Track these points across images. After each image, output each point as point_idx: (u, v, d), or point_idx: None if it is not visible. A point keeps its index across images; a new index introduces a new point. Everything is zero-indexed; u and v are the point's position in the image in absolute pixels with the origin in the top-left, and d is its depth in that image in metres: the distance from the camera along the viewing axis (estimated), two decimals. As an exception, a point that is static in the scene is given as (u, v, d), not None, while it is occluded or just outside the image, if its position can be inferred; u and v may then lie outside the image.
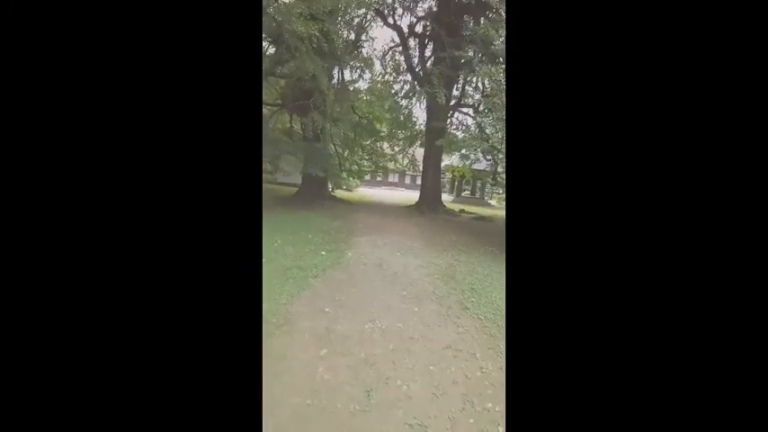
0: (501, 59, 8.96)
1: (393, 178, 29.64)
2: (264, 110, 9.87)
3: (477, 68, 8.42)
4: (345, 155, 12.76)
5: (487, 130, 10.66)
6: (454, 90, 11.87)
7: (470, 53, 9.80)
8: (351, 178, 14.83)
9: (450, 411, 2.25)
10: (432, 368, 2.62)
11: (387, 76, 12.51)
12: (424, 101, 10.91)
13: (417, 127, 13.89)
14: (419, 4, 11.11)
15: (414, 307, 3.60)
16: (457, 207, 13.44)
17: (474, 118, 12.19)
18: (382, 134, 13.60)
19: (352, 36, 10.54)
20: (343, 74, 10.87)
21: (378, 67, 12.03)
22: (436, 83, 8.95)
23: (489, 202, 20.73)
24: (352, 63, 10.10)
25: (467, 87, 12.25)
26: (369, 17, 10.81)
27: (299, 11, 6.32)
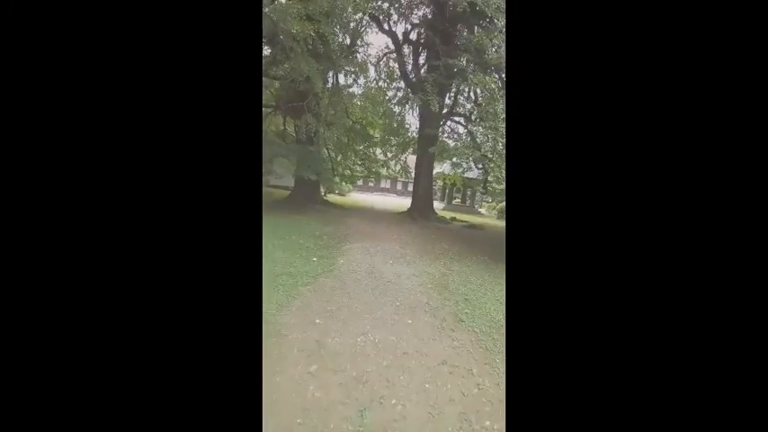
0: (493, 69, 9.03)
1: (385, 184, 29.59)
2: (257, 111, 9.68)
3: (471, 77, 8.43)
4: (338, 159, 12.64)
5: (479, 139, 10.70)
6: (447, 99, 11.91)
7: (464, 62, 9.84)
8: (343, 183, 14.72)
9: (448, 431, 2.16)
10: (427, 386, 2.52)
11: (381, 82, 12.50)
12: (417, 108, 10.89)
13: (410, 134, 13.89)
14: (414, 12, 11.14)
15: (407, 319, 3.50)
16: (448, 214, 13.44)
17: (466, 126, 12.24)
18: (375, 140, 13.53)
19: (348, 40, 10.49)
20: (337, 77, 10.80)
21: (372, 72, 12.03)
22: (430, 90, 8.93)
23: (479, 210, 20.84)
24: (346, 67, 10.04)
25: (459, 96, 12.31)
26: (364, 22, 10.79)
27: (295, 11, 6.23)
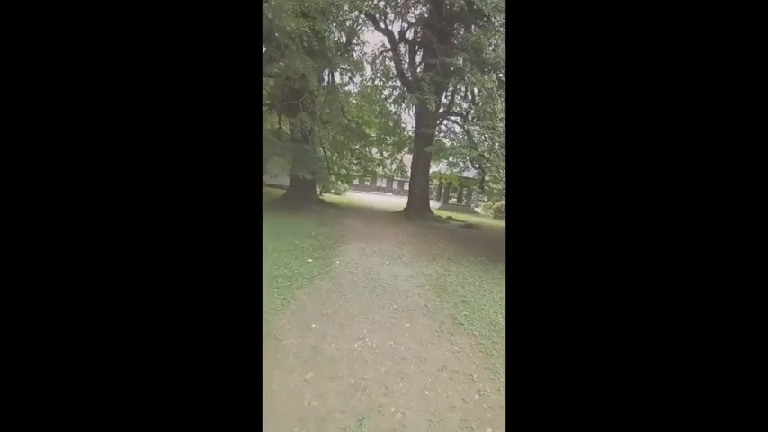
0: (491, 68, 8.97)
1: (381, 183, 29.50)
2: (252, 109, 9.55)
3: (469, 75, 8.36)
4: (334, 158, 12.51)
5: (475, 139, 10.66)
6: (443, 98, 11.84)
7: (460, 61, 9.77)
8: (339, 182, 14.60)
9: (448, 441, 2.10)
10: (427, 392, 2.46)
11: (377, 81, 12.40)
12: (414, 107, 10.81)
13: (406, 133, 13.82)
14: (410, 10, 11.06)
15: (405, 322, 3.43)
16: (444, 214, 13.38)
17: (462, 126, 12.19)
18: (371, 139, 13.42)
19: (344, 38, 10.39)
20: (333, 76, 10.69)
21: (368, 71, 11.92)
22: (426, 89, 8.85)
23: (475, 209, 20.85)
24: (342, 65, 9.92)
25: (456, 95, 12.25)
26: (360, 20, 10.69)
27: (290, 8, 6.12)
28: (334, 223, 8.16)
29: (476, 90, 10.31)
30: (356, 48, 11.10)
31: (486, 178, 12.00)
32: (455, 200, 21.33)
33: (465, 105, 12.10)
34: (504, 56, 7.46)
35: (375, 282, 4.42)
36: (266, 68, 7.96)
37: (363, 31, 11.19)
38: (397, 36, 11.27)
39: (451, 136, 12.99)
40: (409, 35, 11.50)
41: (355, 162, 13.65)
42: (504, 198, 14.22)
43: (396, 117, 13.19)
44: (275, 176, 12.12)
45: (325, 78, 10.31)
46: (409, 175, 12.99)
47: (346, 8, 8.60)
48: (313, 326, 3.13)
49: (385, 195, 26.56)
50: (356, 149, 13.11)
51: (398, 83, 11.93)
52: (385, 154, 14.48)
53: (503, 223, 14.08)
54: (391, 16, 11.15)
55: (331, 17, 8.11)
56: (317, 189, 12.37)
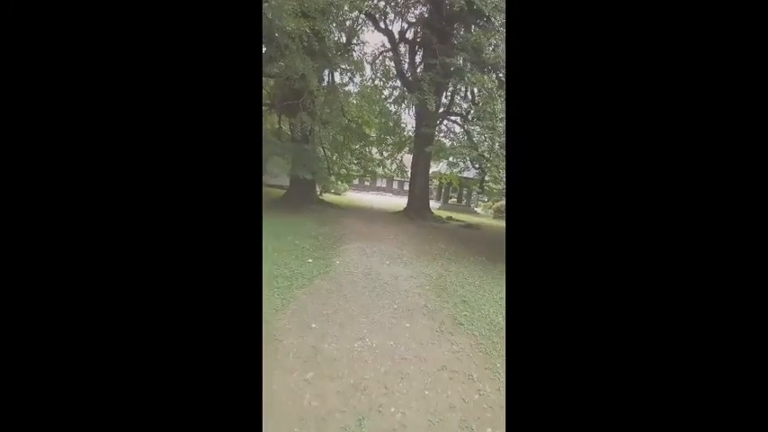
0: (491, 68, 8.96)
1: (381, 183, 29.51)
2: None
3: (470, 75, 8.35)
4: (334, 158, 12.51)
5: (475, 139, 10.65)
6: (443, 98, 11.83)
7: (460, 61, 9.76)
8: (339, 182, 14.60)
9: (448, 442, 2.10)
10: (427, 392, 2.46)
11: (377, 81, 12.39)
12: (414, 107, 10.81)
13: (406, 133, 13.81)
14: (410, 10, 11.05)
15: (405, 322, 3.43)
16: (444, 214, 13.38)
17: (462, 126, 12.18)
18: (371, 139, 13.42)
19: (344, 38, 10.38)
20: (333, 76, 10.68)
21: (368, 71, 11.91)
22: (426, 89, 8.85)
23: (475, 209, 20.85)
24: (342, 65, 9.92)
25: (456, 95, 12.24)
26: (360, 20, 10.68)
27: (290, 7, 6.12)
28: (334, 223, 8.16)
29: (476, 90, 10.30)
30: (356, 48, 11.11)
31: (486, 178, 11.99)
32: (455, 200, 21.33)
33: (465, 105, 12.09)
34: (504, 56, 7.45)
35: (375, 282, 4.42)
36: (266, 68, 7.96)
37: (363, 31, 11.20)
38: (397, 36, 11.26)
39: (451, 136, 12.98)
40: (409, 35, 11.49)
41: (355, 162, 13.64)
42: (504, 198, 14.22)
43: (396, 117, 13.19)
44: (275, 176, 12.14)
45: (326, 78, 10.30)
46: (409, 175, 12.98)
47: (346, 8, 8.59)
48: (313, 326, 3.13)
49: (385, 195, 26.56)
50: (356, 149, 13.11)
51: (398, 83, 11.92)
52: (385, 154, 14.47)
53: (503, 223, 14.07)
54: (391, 16, 11.15)
55: (331, 17, 8.10)
56: (317, 189, 12.36)
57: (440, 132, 12.67)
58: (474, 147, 9.73)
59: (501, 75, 8.82)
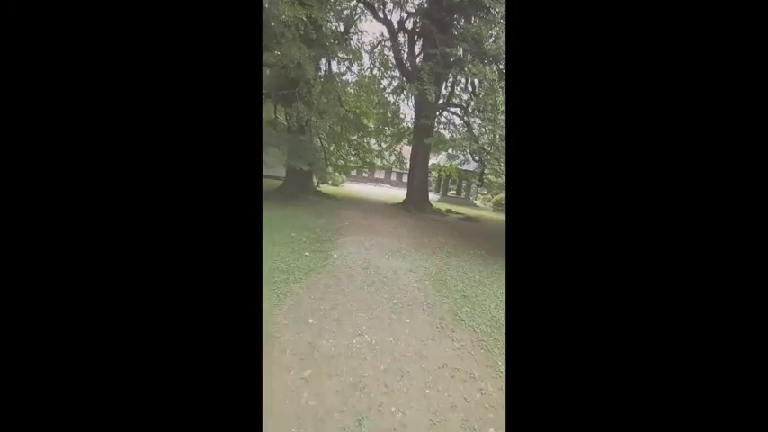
0: (491, 59, 8.79)
1: (379, 174, 29.34)
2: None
3: (471, 66, 8.19)
4: (331, 149, 12.35)
5: (475, 131, 10.53)
6: (443, 89, 11.66)
7: (460, 51, 9.59)
8: (337, 173, 14.44)
9: (450, 442, 2.04)
10: (428, 391, 2.39)
11: (375, 71, 12.18)
12: (413, 97, 10.64)
13: (405, 124, 13.64)
14: (410, 0, 10.82)
15: (405, 318, 3.35)
16: (443, 206, 13.30)
17: (462, 118, 12.03)
18: (369, 129, 13.23)
19: (341, 27, 10.15)
20: (330, 65, 10.47)
21: (366, 60, 11.68)
22: (426, 79, 8.68)
23: (475, 202, 20.79)
24: (340, 54, 9.70)
25: (456, 87, 12.05)
26: (359, 9, 10.44)
27: (286, -6, 5.93)
28: (332, 215, 8.06)
29: (476, 81, 10.15)
30: (354, 37, 10.88)
31: (486, 171, 11.91)
32: (454, 192, 21.24)
33: (465, 97, 11.92)
34: (504, 47, 7.29)
35: (374, 276, 4.34)
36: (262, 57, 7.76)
37: (362, 20, 10.95)
38: (396, 25, 11.04)
39: (451, 128, 12.86)
40: (408, 25, 11.27)
41: (353, 153, 13.46)
42: (504, 191, 14.16)
43: (394, 108, 13.03)
44: (271, 167, 11.96)
45: (323, 67, 10.09)
46: (408, 166, 12.85)
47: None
48: (310, 321, 3.05)
49: (383, 187, 26.43)
50: (354, 140, 12.93)
51: (397, 73, 11.73)
52: (383, 145, 14.31)
53: (502, 216, 14.05)
54: (390, 6, 10.92)
55: (328, 6, 7.89)
56: (314, 180, 12.20)
57: (439, 124, 12.54)
58: (474, 139, 9.62)
59: (502, 66, 8.66)
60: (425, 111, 10.56)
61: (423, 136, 10.69)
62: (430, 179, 16.80)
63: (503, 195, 16.28)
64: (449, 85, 11.92)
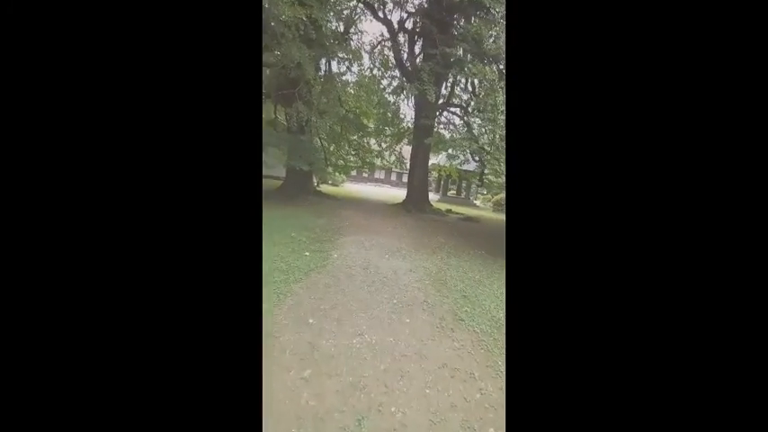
0: (492, 59, 8.79)
1: (379, 174, 29.34)
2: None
3: (471, 66, 8.19)
4: (331, 149, 12.35)
5: (475, 131, 10.52)
6: (443, 89, 11.65)
7: (460, 51, 9.58)
8: (337, 173, 14.43)
9: (450, 442, 2.04)
10: (428, 391, 2.39)
11: (375, 71, 12.17)
12: (413, 97, 10.64)
13: (405, 124, 13.64)
14: (410, 0, 10.82)
15: (405, 318, 3.35)
16: (443, 206, 13.30)
17: (462, 118, 12.03)
18: (369, 130, 13.23)
19: (341, 27, 10.15)
20: (330, 65, 10.47)
21: (366, 60, 11.68)
22: (426, 79, 8.68)
23: (474, 202, 20.78)
24: (340, 54, 9.70)
25: (456, 87, 12.05)
26: (359, 10, 10.43)
27: (286, -6, 5.93)
28: (332, 215, 8.06)
29: (476, 81, 10.14)
30: (354, 37, 10.87)
31: (486, 171, 11.90)
32: (454, 192, 21.24)
33: (465, 97, 11.92)
34: (504, 47, 7.29)
35: (374, 276, 4.34)
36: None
37: (362, 20, 10.95)
38: (396, 25, 11.04)
39: (451, 128, 12.85)
40: (408, 25, 11.27)
41: (353, 153, 13.46)
42: (504, 191, 14.16)
43: (394, 108, 13.02)
44: (271, 167, 11.96)
45: (323, 67, 10.09)
46: (408, 166, 12.85)
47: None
48: (310, 321, 3.05)
49: (383, 187, 26.43)
50: (354, 140, 12.92)
51: (397, 73, 11.73)
52: (383, 145, 14.31)
53: (502, 216, 14.05)
54: (390, 6, 10.92)
55: (328, 6, 7.89)
56: (314, 180, 12.20)
57: (439, 124, 12.53)
58: (474, 139, 9.61)
59: (502, 66, 8.65)
60: (425, 111, 10.56)
61: (423, 136, 10.69)
62: (430, 179, 16.79)
63: (503, 195, 16.28)
64: (449, 85, 11.91)
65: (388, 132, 13.92)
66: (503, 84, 7.35)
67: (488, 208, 18.31)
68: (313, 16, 6.89)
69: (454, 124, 12.84)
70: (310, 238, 5.73)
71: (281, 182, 11.26)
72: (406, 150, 13.64)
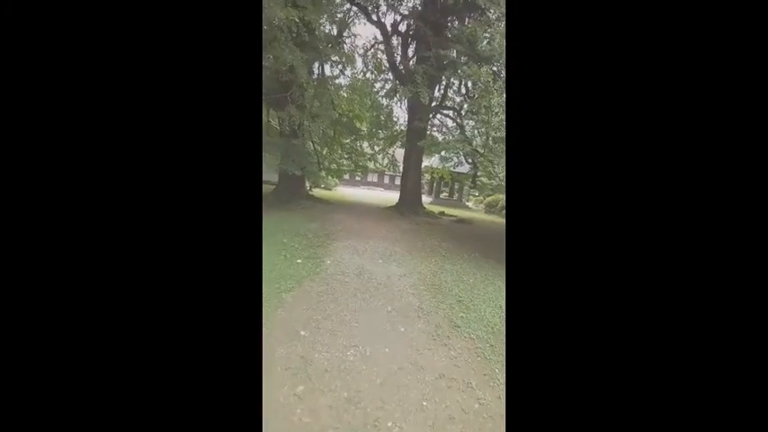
0: (485, 60, 8.80)
1: (372, 177, 29.28)
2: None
3: (465, 68, 8.18)
4: (324, 153, 12.25)
5: (468, 133, 10.53)
6: (436, 91, 11.65)
7: (454, 53, 9.58)
8: (329, 177, 14.33)
9: (449, 458, 1.98)
10: (425, 403, 2.33)
11: (368, 74, 12.12)
12: (406, 100, 10.60)
13: (398, 127, 13.60)
14: (403, 3, 10.79)
15: (400, 327, 3.29)
16: (436, 209, 13.27)
17: (455, 120, 12.03)
18: (362, 133, 13.17)
19: (335, 31, 10.09)
20: (323, 68, 10.40)
21: (359, 63, 11.63)
22: (420, 82, 8.65)
23: (467, 204, 20.82)
24: (333, 57, 9.63)
25: (449, 89, 12.05)
26: (352, 12, 10.39)
27: (278, -4, 5.86)
28: (325, 220, 7.98)
29: (470, 83, 10.15)
30: (347, 40, 10.82)
31: (479, 173, 11.90)
32: (446, 194, 21.25)
33: (458, 99, 11.93)
34: (499, 49, 7.29)
35: (368, 282, 4.28)
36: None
37: (355, 23, 10.91)
38: (389, 28, 11.01)
39: (444, 130, 12.83)
40: (402, 27, 11.25)
41: (346, 157, 13.37)
42: (495, 193, 14.19)
43: (388, 111, 12.98)
44: (263, 172, 11.83)
45: (315, 71, 10.02)
46: (401, 169, 12.80)
47: (337, 0, 8.32)
48: (302, 333, 2.97)
49: (376, 190, 26.38)
50: (347, 144, 12.85)
51: (391, 76, 11.68)
52: (376, 148, 14.25)
53: (494, 217, 14.07)
54: (384, 8, 10.89)
55: (322, 8, 7.83)
56: (307, 184, 12.09)
57: (432, 126, 12.52)
58: (467, 141, 9.61)
59: (496, 68, 8.66)
60: (419, 113, 10.54)
61: (416, 138, 10.66)
62: (422, 181, 16.78)
63: (495, 197, 16.33)
64: (442, 87, 11.91)
65: (382, 135, 13.86)
66: (497, 86, 7.35)
67: (480, 210, 18.36)
68: (306, 19, 6.83)
69: (447, 127, 12.84)
70: (303, 245, 5.65)
71: (273, 186, 11.14)
72: (399, 153, 13.60)
